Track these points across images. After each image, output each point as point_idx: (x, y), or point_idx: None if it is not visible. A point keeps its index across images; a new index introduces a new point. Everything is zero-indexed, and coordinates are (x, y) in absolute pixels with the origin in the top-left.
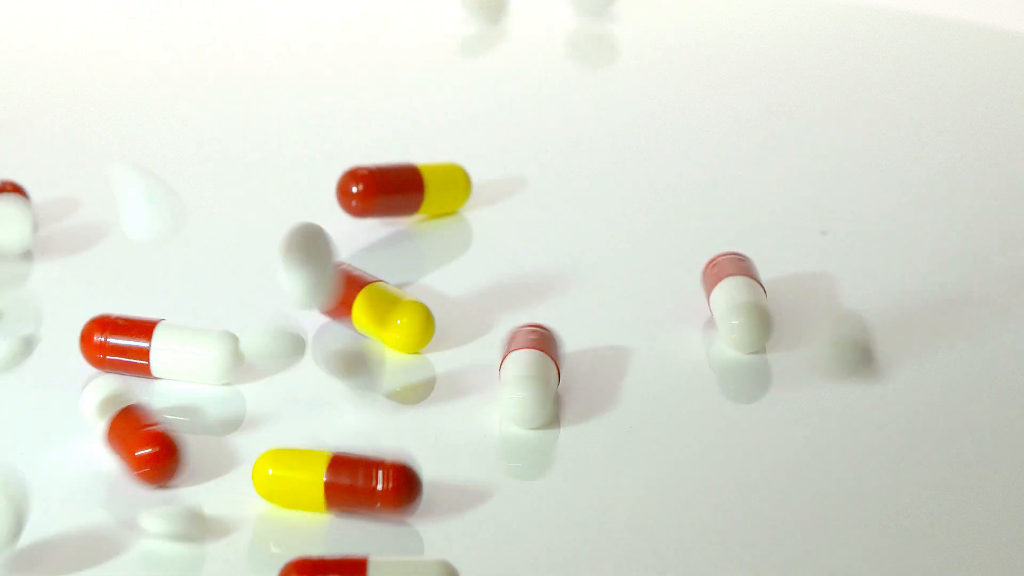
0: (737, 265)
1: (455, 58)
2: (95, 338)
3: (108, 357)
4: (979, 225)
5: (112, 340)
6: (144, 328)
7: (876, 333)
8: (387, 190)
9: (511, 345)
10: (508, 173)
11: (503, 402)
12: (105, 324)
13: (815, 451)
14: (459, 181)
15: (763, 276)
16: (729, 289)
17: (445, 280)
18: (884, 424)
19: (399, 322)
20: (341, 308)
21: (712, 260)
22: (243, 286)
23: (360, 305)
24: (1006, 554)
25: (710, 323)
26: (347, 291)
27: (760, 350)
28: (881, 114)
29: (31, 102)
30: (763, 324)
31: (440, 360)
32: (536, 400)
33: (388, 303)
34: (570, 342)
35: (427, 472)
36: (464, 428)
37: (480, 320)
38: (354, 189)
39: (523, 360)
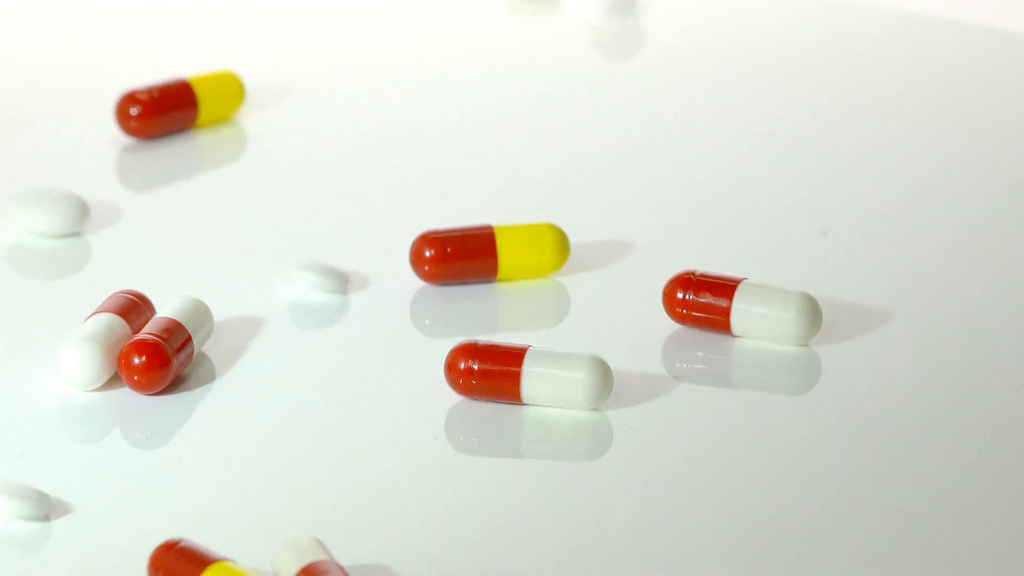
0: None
1: None
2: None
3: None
4: (979, 224)
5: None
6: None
7: (876, 332)
8: (164, 109)
9: None
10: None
11: None
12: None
13: (810, 454)
14: (232, 89)
15: (763, 276)
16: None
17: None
18: (884, 423)
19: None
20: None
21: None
22: None
23: (504, 247)
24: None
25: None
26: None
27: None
28: (881, 114)
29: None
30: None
31: None
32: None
33: (520, 235)
34: None
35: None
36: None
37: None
38: (132, 111)
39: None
